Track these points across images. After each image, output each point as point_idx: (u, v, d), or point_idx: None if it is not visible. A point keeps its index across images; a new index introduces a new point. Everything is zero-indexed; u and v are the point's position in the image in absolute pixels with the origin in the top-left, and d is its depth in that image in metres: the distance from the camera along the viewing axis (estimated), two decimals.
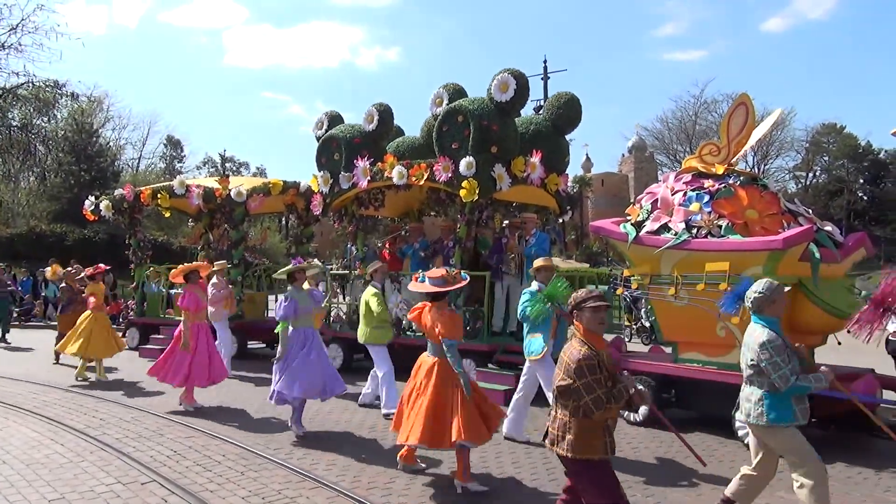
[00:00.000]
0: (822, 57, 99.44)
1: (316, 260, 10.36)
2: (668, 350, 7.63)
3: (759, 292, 4.23)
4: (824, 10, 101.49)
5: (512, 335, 9.41)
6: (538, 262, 6.79)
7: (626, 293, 8.32)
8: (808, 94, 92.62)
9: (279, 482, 5.35)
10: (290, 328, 6.85)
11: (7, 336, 14.78)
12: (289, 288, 6.90)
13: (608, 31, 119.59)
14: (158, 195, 13.26)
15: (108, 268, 11.37)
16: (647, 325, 14.10)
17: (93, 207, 14.35)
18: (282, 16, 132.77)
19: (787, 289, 4.36)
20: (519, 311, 6.59)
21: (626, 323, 14.89)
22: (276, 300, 13.56)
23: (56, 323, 18.60)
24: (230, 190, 12.09)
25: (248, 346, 12.79)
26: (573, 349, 3.64)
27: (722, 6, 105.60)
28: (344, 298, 11.86)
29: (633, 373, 7.54)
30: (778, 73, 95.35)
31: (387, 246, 11.47)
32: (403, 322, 10.04)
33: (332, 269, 13.41)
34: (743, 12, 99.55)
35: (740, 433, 6.40)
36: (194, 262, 9.38)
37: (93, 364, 10.19)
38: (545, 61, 31.49)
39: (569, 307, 3.86)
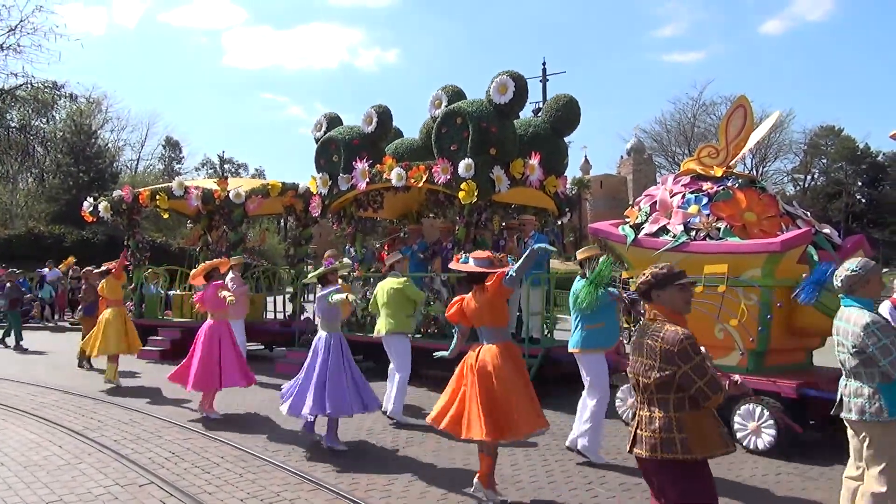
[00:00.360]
0: (820, 59, 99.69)
1: (347, 259, 10.08)
2: None
3: (853, 270, 3.89)
4: (823, 12, 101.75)
5: (512, 336, 9.38)
6: (584, 252, 6.21)
7: (624, 295, 8.31)
8: (806, 96, 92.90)
9: (278, 484, 5.34)
10: (323, 332, 6.48)
11: (7, 341, 14.60)
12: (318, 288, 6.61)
13: (607, 33, 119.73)
14: (157, 196, 13.25)
15: (126, 263, 10.99)
16: None
17: (91, 209, 14.33)
18: (281, 17, 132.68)
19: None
20: (571, 302, 6.03)
21: (625, 325, 14.87)
22: (275, 302, 13.67)
23: (52, 324, 18.87)
24: (229, 191, 12.09)
25: (247, 348, 12.78)
26: (667, 332, 3.07)
27: (720, 8, 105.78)
28: None
29: None
30: (776, 76, 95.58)
31: (385, 248, 11.48)
32: None
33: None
34: (741, 14, 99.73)
35: (739, 435, 6.40)
36: (214, 260, 8.50)
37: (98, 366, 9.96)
38: (544, 63, 31.43)
39: (642, 287, 3.29)
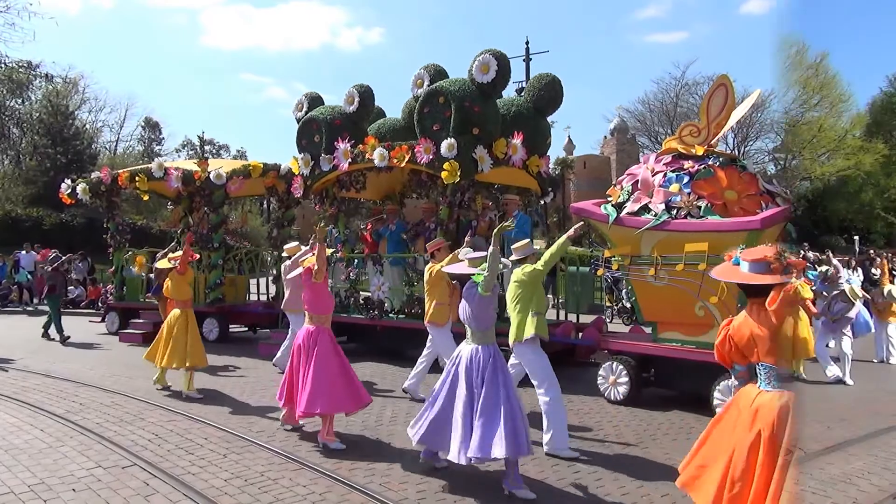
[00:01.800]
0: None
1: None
2: (648, 330, 7.71)
3: None
4: None
5: (498, 317, 9.41)
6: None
7: (606, 274, 8.40)
8: None
9: (262, 464, 5.35)
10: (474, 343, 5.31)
11: (50, 333, 13.08)
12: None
13: (590, 13, 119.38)
14: (136, 178, 13.09)
15: (193, 257, 8.62)
16: (628, 305, 14.25)
17: (69, 191, 14.14)
18: None
19: None
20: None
21: (607, 304, 15.02)
22: (258, 284, 13.61)
23: (30, 308, 18.67)
24: (209, 172, 11.96)
25: (231, 330, 12.79)
26: None
27: None
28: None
29: (613, 352, 7.64)
30: (758, 55, 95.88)
31: (367, 228, 11.46)
32: (386, 305, 10.06)
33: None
34: None
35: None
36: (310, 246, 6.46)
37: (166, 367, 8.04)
38: (527, 43, 31.00)
39: None
